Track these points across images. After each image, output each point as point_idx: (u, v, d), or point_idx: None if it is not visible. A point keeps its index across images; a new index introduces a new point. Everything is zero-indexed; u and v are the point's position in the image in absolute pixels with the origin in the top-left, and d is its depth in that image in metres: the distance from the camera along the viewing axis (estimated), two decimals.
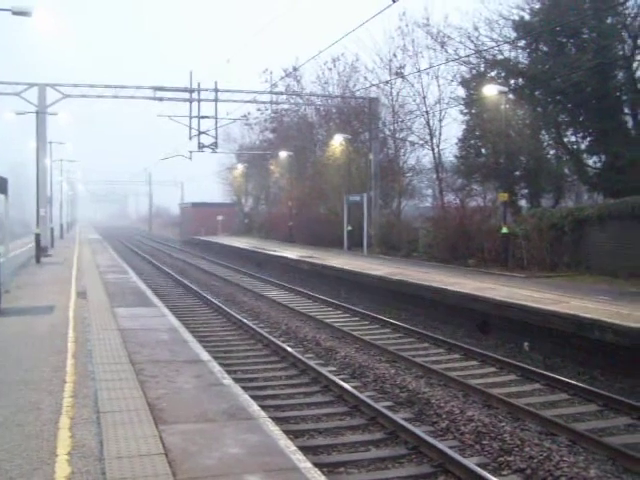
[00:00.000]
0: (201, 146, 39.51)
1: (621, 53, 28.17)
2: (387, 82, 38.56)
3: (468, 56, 32.04)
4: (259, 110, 47.98)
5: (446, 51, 33.75)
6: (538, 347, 14.74)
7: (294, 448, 6.42)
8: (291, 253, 34.62)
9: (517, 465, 8.19)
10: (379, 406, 10.17)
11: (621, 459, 8.39)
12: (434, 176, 38.98)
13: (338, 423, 9.89)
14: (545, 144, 32.45)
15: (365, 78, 41.00)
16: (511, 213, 28.36)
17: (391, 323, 18.08)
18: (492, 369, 13.30)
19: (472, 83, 32.48)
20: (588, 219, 22.38)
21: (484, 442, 8.92)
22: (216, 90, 37.22)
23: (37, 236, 31.44)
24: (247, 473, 5.72)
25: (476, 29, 31.38)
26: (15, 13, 16.30)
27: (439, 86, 36.29)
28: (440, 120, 36.88)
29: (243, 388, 8.99)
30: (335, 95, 43.73)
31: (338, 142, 40.54)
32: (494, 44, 31.08)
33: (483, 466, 8.11)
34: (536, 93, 30.38)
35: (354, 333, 16.56)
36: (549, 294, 17.22)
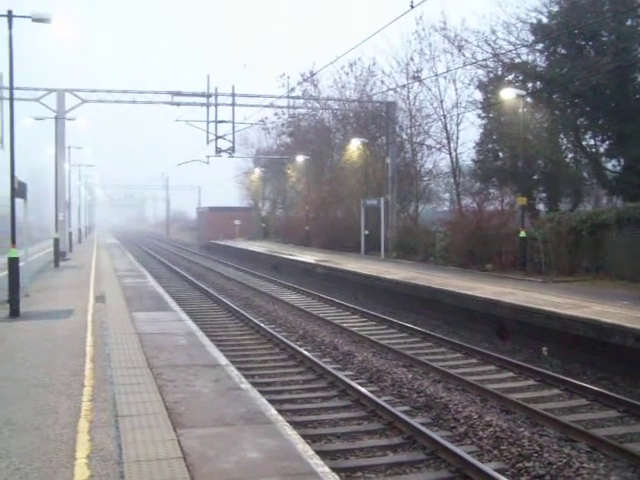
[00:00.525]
0: (218, 151, 39.61)
1: None
2: (404, 86, 38.49)
3: (485, 60, 31.94)
4: (276, 115, 48.15)
5: (463, 55, 33.72)
6: (557, 352, 14.63)
7: (312, 452, 6.42)
8: (308, 257, 34.63)
9: (536, 471, 8.12)
10: (397, 411, 10.13)
11: None
12: (451, 180, 38.84)
13: (355, 427, 9.87)
14: (563, 148, 32.23)
15: (382, 82, 40.96)
16: (529, 217, 28.20)
17: (408, 327, 18.02)
18: (510, 374, 13.21)
19: (489, 87, 32.37)
20: (607, 223, 22.18)
21: (502, 447, 8.85)
22: (233, 95, 37.32)
23: (56, 241, 31.68)
24: (265, 477, 5.72)
25: (493, 32, 31.31)
26: (35, 20, 16.41)
27: (456, 90, 36.24)
28: (457, 124, 36.79)
29: (261, 392, 9.00)
30: (352, 99, 43.71)
31: (355, 146, 40.54)
32: (512, 47, 30.98)
33: (502, 472, 8.05)
34: (554, 96, 30.19)
35: (371, 337, 16.54)
36: (568, 299, 17.08)
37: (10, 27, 15.62)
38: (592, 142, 31.09)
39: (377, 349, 15.45)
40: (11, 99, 15.92)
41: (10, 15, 15.63)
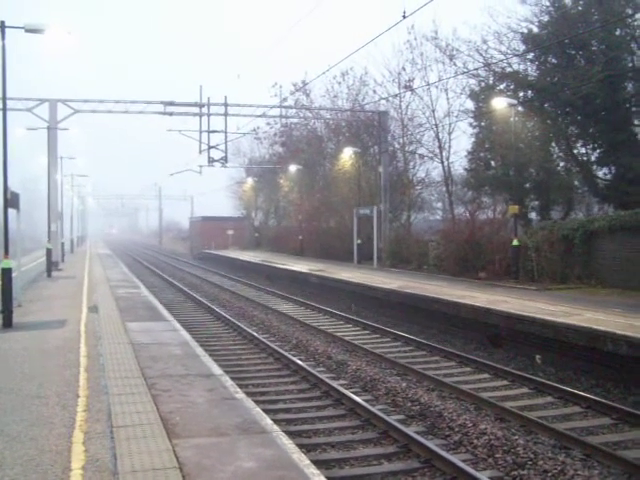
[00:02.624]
0: (211, 160, 39.66)
1: (630, 65, 28.18)
2: (396, 95, 38.70)
3: (477, 69, 32.14)
4: (269, 124, 48.23)
5: (455, 64, 33.93)
6: (550, 360, 14.67)
7: (307, 462, 6.41)
8: (301, 267, 34.63)
9: (531, 479, 8.14)
10: (391, 419, 10.14)
11: (637, 474, 8.31)
12: (444, 189, 38.96)
13: (350, 437, 9.86)
14: (555, 156, 32.39)
15: (374, 92, 41.13)
16: (521, 225, 28.31)
17: (402, 336, 18.03)
18: (504, 382, 13.23)
19: (481, 96, 32.53)
20: (599, 231, 22.30)
21: (497, 455, 8.87)
22: (226, 105, 37.41)
23: (48, 251, 31.60)
24: None
25: (485, 42, 31.52)
26: (28, 31, 16.39)
27: (448, 99, 36.49)
28: (449, 133, 37.00)
29: (255, 402, 8.99)
30: (344, 109, 43.87)
31: (348, 155, 40.65)
32: (503, 57, 31.16)
33: None
34: (545, 105, 30.38)
35: (365, 346, 16.54)
36: (561, 306, 17.15)
37: (3, 38, 15.63)
38: (583, 150, 31.30)
39: (371, 358, 15.46)
40: (4, 109, 15.91)
41: (3, 26, 15.63)
